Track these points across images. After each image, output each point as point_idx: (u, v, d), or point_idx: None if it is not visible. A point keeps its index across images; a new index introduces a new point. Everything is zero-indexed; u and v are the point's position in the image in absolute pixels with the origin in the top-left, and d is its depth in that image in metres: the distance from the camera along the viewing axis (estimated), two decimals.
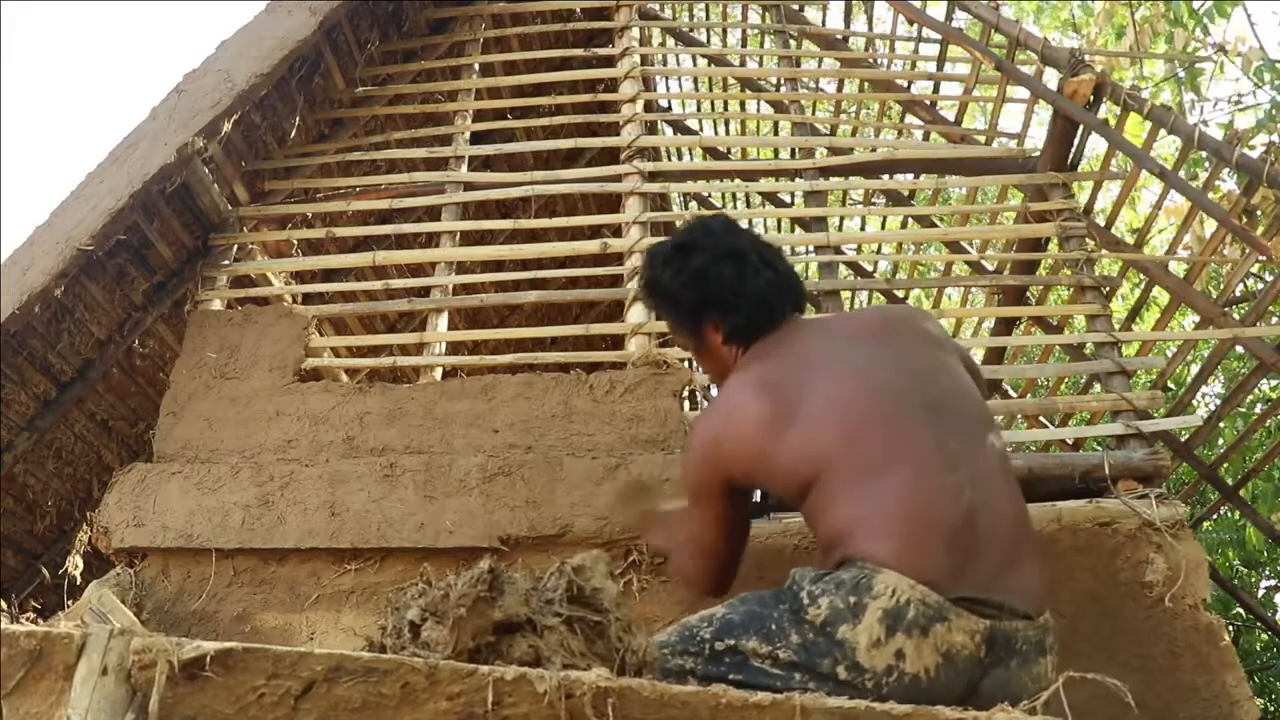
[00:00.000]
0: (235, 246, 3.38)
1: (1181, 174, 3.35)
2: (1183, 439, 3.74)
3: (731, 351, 1.87)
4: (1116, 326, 3.08)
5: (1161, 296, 4.08)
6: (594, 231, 3.36)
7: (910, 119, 3.92)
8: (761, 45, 4.52)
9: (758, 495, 2.89)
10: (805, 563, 1.67)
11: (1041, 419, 3.92)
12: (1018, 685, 1.44)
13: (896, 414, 1.59)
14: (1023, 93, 3.44)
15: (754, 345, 1.83)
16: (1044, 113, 3.65)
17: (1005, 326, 3.82)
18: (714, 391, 2.03)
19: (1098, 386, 3.23)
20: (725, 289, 1.82)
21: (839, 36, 4.08)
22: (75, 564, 3.07)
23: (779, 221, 5.41)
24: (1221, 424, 4.45)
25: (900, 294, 4.39)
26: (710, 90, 5.07)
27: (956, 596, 1.43)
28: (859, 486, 1.53)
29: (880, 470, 1.53)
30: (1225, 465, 3.93)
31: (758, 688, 1.35)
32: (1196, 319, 3.66)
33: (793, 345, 1.77)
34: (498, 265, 4.70)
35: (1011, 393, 4.47)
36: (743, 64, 4.59)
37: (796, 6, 4.02)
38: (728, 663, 1.50)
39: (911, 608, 1.41)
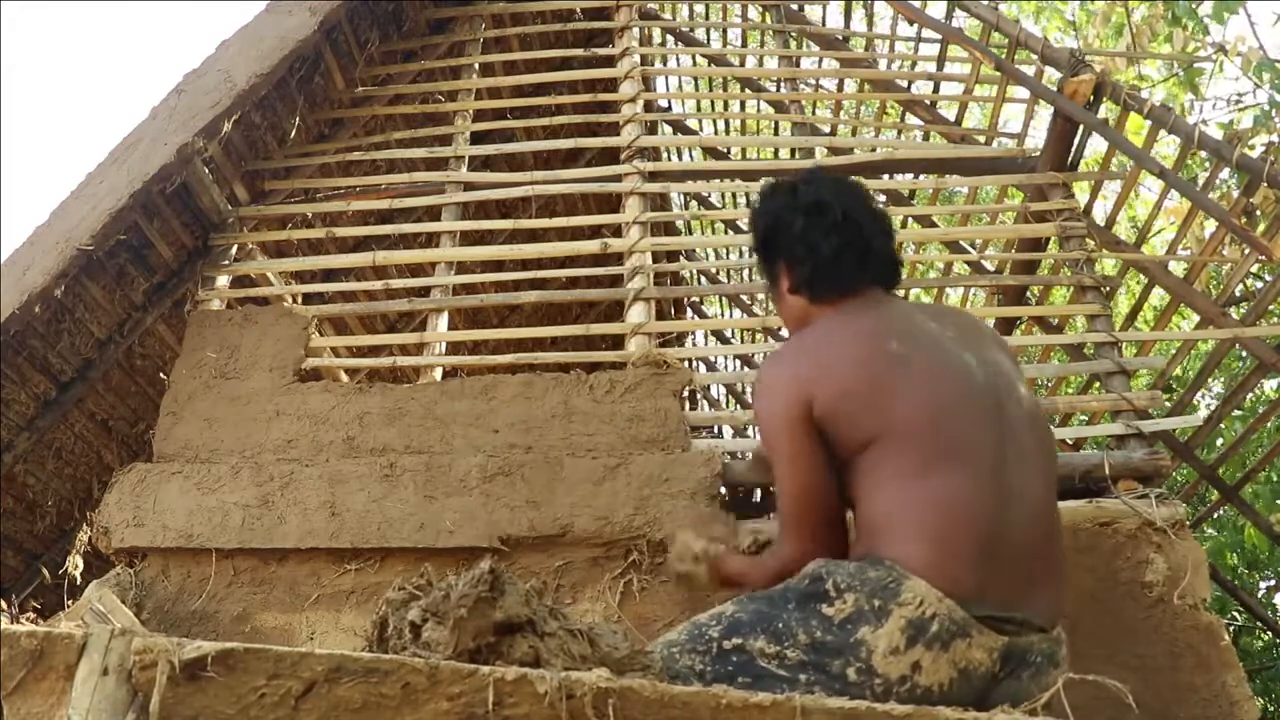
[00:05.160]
0: (235, 246, 3.38)
1: (1181, 174, 3.35)
2: (1183, 439, 3.74)
3: (800, 303, 1.81)
4: (1116, 326, 3.08)
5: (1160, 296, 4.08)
6: (594, 231, 3.36)
7: (910, 119, 3.92)
8: (761, 45, 4.52)
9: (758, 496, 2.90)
10: None
11: None
12: (1026, 697, 1.42)
13: (974, 410, 1.57)
14: (1023, 93, 3.44)
15: (831, 303, 1.77)
16: (1044, 113, 3.65)
17: (1005, 326, 3.81)
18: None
19: (1098, 386, 3.23)
20: (793, 239, 1.80)
21: (839, 36, 4.07)
22: (75, 564, 3.08)
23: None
24: (1221, 424, 4.45)
25: (900, 294, 4.38)
26: (710, 90, 5.07)
27: (981, 614, 1.41)
28: (915, 471, 1.50)
29: (940, 462, 1.50)
30: (1225, 465, 3.93)
31: (764, 688, 1.34)
32: (1196, 319, 3.66)
33: (879, 310, 1.73)
34: (498, 265, 4.70)
35: None
36: (743, 64, 4.59)
37: (796, 6, 4.01)
38: (735, 662, 1.49)
39: (936, 622, 1.38)
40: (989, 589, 1.43)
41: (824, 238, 1.77)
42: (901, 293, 1.98)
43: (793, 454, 1.61)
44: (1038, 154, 3.36)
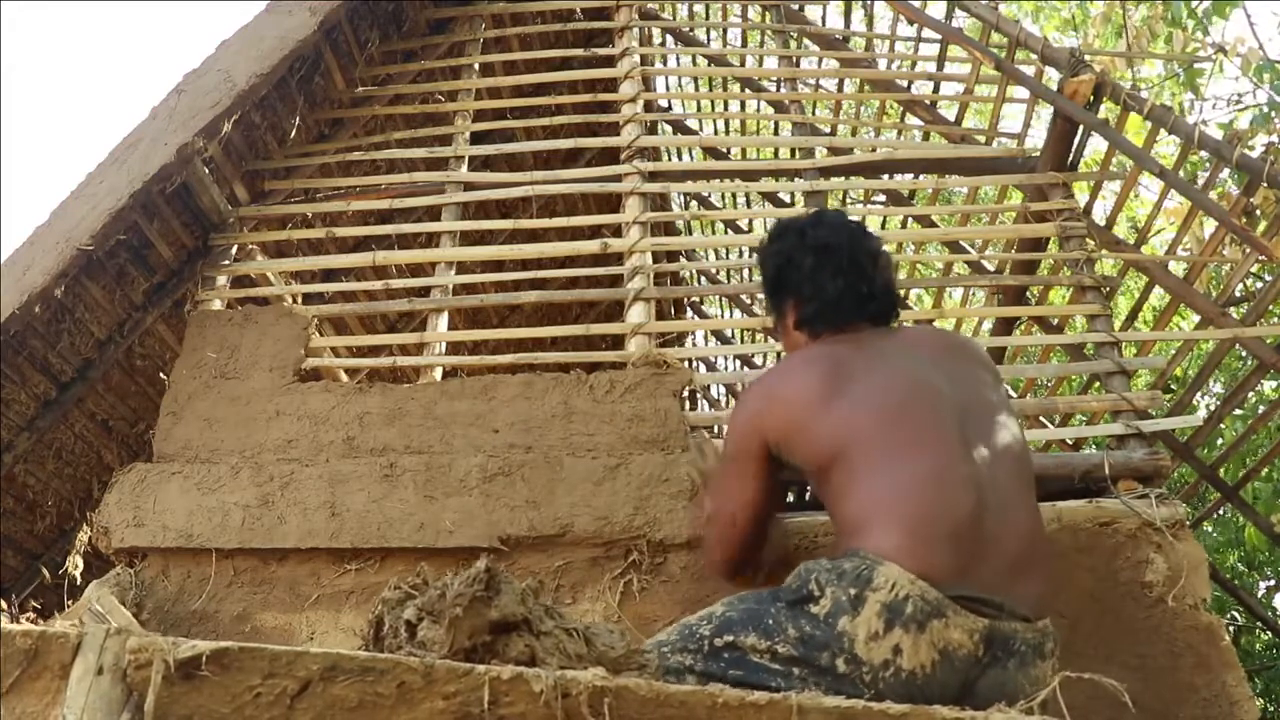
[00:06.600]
0: (235, 246, 3.38)
1: (1181, 174, 3.35)
2: (1183, 439, 3.73)
3: (801, 336, 1.96)
4: (1116, 326, 3.08)
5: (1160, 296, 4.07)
6: (594, 231, 3.36)
7: (910, 119, 3.92)
8: (761, 45, 4.52)
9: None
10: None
11: (1041, 419, 3.92)
12: (1014, 687, 1.44)
13: (930, 409, 1.65)
14: (1023, 93, 3.44)
15: (822, 336, 1.91)
16: (1044, 113, 3.65)
17: (1005, 326, 3.82)
18: None
19: (1098, 386, 3.23)
20: (801, 278, 1.94)
21: (839, 36, 4.07)
22: (75, 564, 3.08)
23: (779, 222, 5.40)
24: (1221, 424, 4.45)
25: (900, 294, 4.38)
26: (710, 90, 5.07)
27: (956, 594, 1.44)
28: (876, 472, 1.57)
29: (901, 455, 1.58)
30: (1225, 465, 3.92)
31: (756, 684, 1.36)
32: (1197, 319, 3.66)
33: (854, 341, 1.85)
34: (498, 265, 4.70)
35: (1011, 393, 4.47)
36: (743, 64, 4.59)
37: (796, 6, 4.01)
38: (726, 659, 1.51)
39: (910, 603, 1.42)
40: (965, 572, 1.47)
41: (831, 278, 1.90)
42: (902, 294, 2.04)
43: (737, 476, 1.86)
44: (1038, 154, 3.35)
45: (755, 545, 1.93)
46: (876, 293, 1.92)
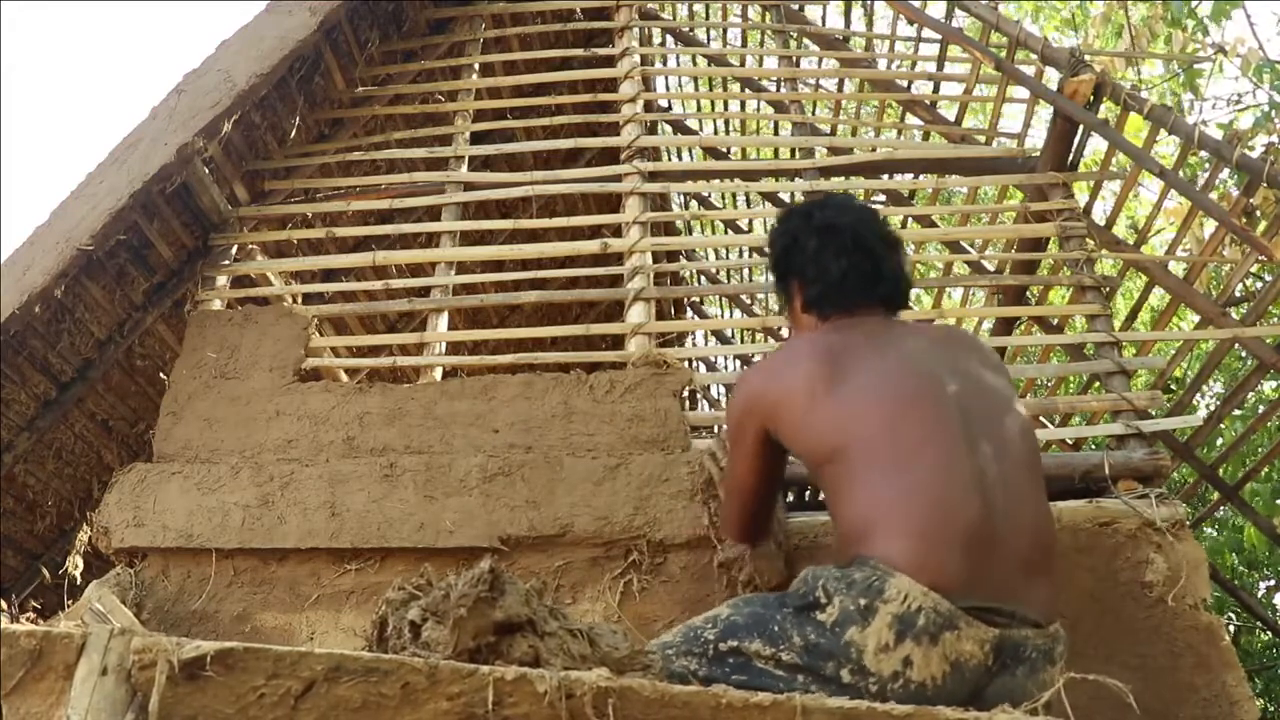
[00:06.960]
0: (235, 246, 3.38)
1: (1181, 174, 3.35)
2: (1183, 439, 3.73)
3: (810, 319, 1.94)
4: (1116, 326, 3.08)
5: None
6: (594, 231, 3.36)
7: (910, 119, 3.92)
8: (761, 45, 4.52)
9: None
10: (806, 564, 1.67)
11: (1041, 419, 3.92)
12: (1023, 693, 1.42)
13: (934, 406, 1.62)
14: (1023, 93, 3.44)
15: (831, 320, 1.89)
16: (1044, 113, 3.65)
17: (1005, 326, 3.82)
18: None
19: (1098, 386, 3.23)
20: (805, 259, 1.92)
21: (839, 36, 4.07)
22: (75, 564, 3.07)
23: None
24: (1221, 424, 4.45)
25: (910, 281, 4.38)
26: (710, 90, 5.08)
27: (967, 605, 1.42)
28: (883, 473, 1.54)
29: (907, 457, 1.54)
30: (1225, 465, 3.93)
31: (761, 688, 1.35)
32: (1197, 319, 3.66)
33: (860, 328, 1.82)
34: (498, 265, 4.70)
35: None
36: (743, 64, 4.59)
37: (796, 6, 4.01)
38: (731, 664, 1.51)
39: (922, 615, 1.39)
40: (976, 581, 1.44)
41: (835, 259, 1.87)
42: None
43: (740, 453, 1.90)
44: (1038, 154, 3.35)
45: (762, 519, 2.06)
46: (884, 274, 1.88)
